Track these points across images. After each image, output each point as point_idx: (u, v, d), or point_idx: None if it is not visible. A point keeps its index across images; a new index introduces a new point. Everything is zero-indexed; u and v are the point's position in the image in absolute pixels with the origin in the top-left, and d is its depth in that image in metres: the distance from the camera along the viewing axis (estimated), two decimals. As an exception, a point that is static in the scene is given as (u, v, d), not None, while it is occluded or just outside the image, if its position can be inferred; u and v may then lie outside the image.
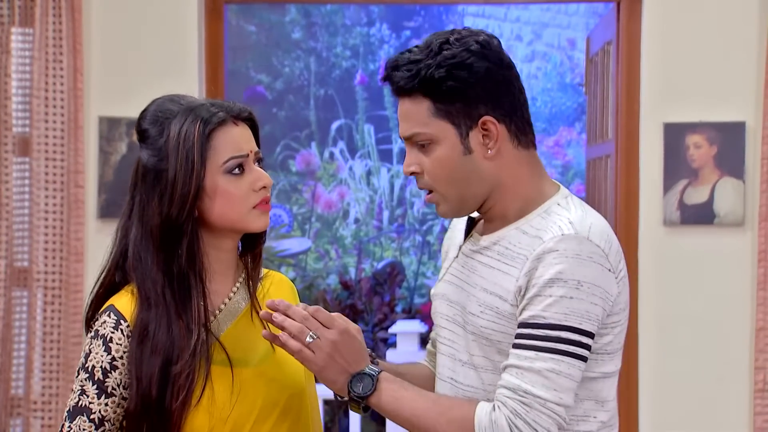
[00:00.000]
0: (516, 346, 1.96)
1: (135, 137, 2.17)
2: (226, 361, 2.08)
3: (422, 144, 2.05)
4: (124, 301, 2.09)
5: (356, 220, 9.49)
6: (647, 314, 4.20)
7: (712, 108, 4.17)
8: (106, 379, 2.05)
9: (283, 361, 2.14)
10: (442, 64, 1.99)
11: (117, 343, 2.06)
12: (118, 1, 4.28)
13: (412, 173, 2.07)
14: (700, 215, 4.16)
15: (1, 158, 4.20)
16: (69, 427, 2.05)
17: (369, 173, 9.51)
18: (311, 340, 1.97)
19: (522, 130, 2.06)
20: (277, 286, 2.27)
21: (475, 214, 2.17)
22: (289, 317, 1.98)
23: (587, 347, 1.95)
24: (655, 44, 4.21)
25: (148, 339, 2.04)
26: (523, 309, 1.96)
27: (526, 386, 1.92)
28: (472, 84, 2.00)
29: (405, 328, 6.71)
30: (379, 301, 7.48)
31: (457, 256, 2.18)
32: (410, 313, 7.75)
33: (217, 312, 2.14)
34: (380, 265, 8.82)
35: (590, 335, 1.95)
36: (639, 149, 4.23)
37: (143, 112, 2.14)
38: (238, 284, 2.18)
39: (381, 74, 2.11)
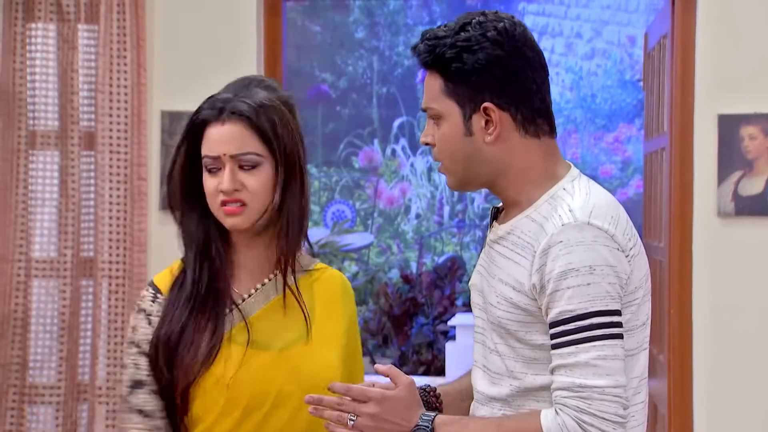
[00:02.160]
0: (554, 346, 1.96)
1: None
2: (246, 342, 2.11)
3: (434, 117, 2.09)
4: (163, 275, 2.18)
5: (417, 216, 9.54)
6: (701, 306, 4.19)
7: (767, 99, 4.17)
8: None
9: (316, 352, 2.15)
10: (456, 45, 2.02)
11: (156, 316, 2.13)
12: (180, -1, 4.39)
13: (425, 143, 2.11)
14: (755, 207, 4.16)
15: (67, 152, 4.31)
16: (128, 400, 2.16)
17: (430, 169, 9.55)
18: (352, 422, 1.97)
19: (530, 119, 2.05)
20: (324, 283, 2.25)
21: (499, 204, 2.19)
22: (325, 406, 1.99)
23: (619, 324, 1.96)
24: (710, 35, 4.20)
25: (181, 292, 2.13)
26: (548, 308, 1.97)
27: (580, 380, 1.92)
28: (477, 70, 2.02)
29: (464, 321, 6.76)
30: (439, 294, 7.53)
31: (484, 247, 2.20)
32: (470, 307, 7.77)
33: (246, 296, 2.16)
34: (441, 259, 8.86)
35: (618, 313, 1.97)
36: (693, 141, 4.22)
37: None
38: (277, 272, 2.17)
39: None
